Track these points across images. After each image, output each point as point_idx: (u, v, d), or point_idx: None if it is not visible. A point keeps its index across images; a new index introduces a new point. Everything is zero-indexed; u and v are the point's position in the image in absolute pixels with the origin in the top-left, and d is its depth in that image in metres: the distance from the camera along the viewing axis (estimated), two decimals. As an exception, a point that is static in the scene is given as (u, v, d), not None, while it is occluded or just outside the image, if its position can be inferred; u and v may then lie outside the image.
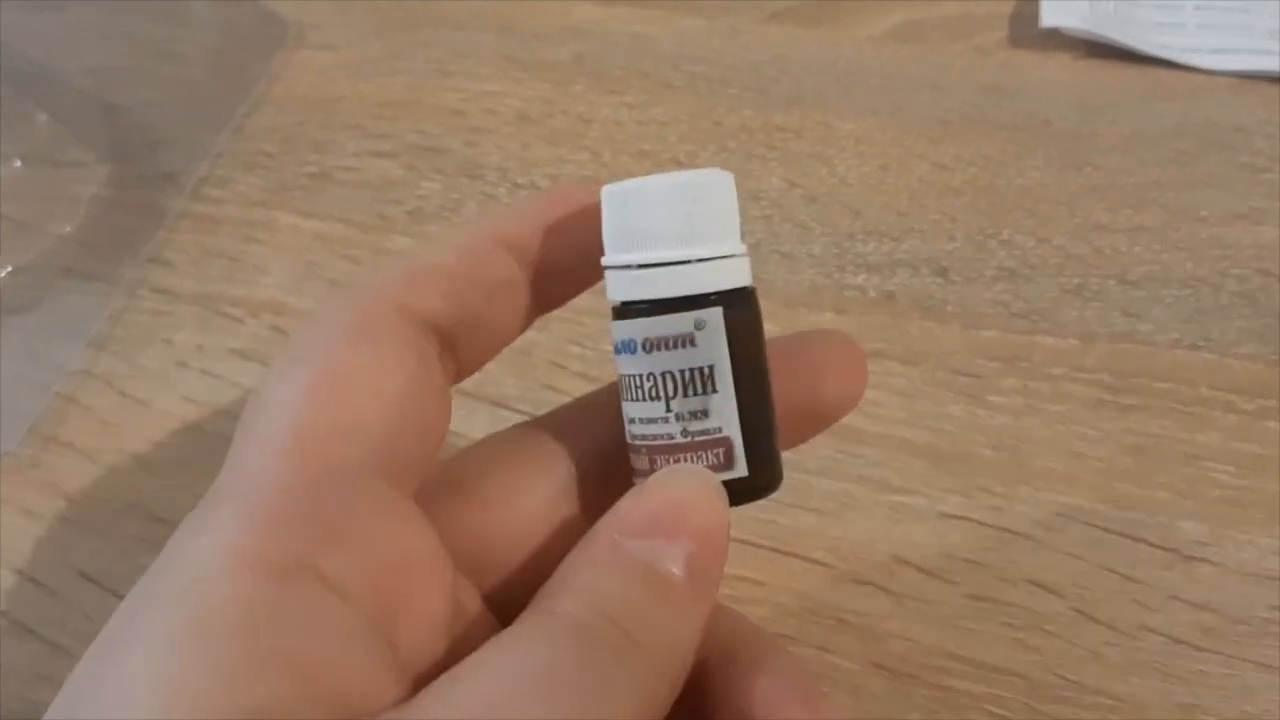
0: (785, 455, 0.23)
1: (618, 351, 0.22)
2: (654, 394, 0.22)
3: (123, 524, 0.33)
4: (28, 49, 0.45)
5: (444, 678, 0.18)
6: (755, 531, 0.31)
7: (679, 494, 0.21)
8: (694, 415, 0.22)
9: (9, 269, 0.39)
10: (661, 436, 0.22)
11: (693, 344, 0.22)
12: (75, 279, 0.39)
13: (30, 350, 0.37)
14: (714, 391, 0.22)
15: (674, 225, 0.22)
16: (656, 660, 0.19)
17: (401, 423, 0.21)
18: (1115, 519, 0.32)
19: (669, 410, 0.22)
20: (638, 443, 0.22)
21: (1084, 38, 0.44)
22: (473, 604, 0.23)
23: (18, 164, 0.42)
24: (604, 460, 0.24)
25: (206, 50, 0.47)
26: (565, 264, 0.24)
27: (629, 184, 0.22)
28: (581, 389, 0.35)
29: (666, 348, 0.22)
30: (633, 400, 0.22)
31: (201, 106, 0.44)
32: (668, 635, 0.20)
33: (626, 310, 0.22)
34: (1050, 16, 0.44)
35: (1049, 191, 0.39)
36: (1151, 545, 0.31)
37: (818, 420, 0.25)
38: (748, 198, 0.40)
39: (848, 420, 0.25)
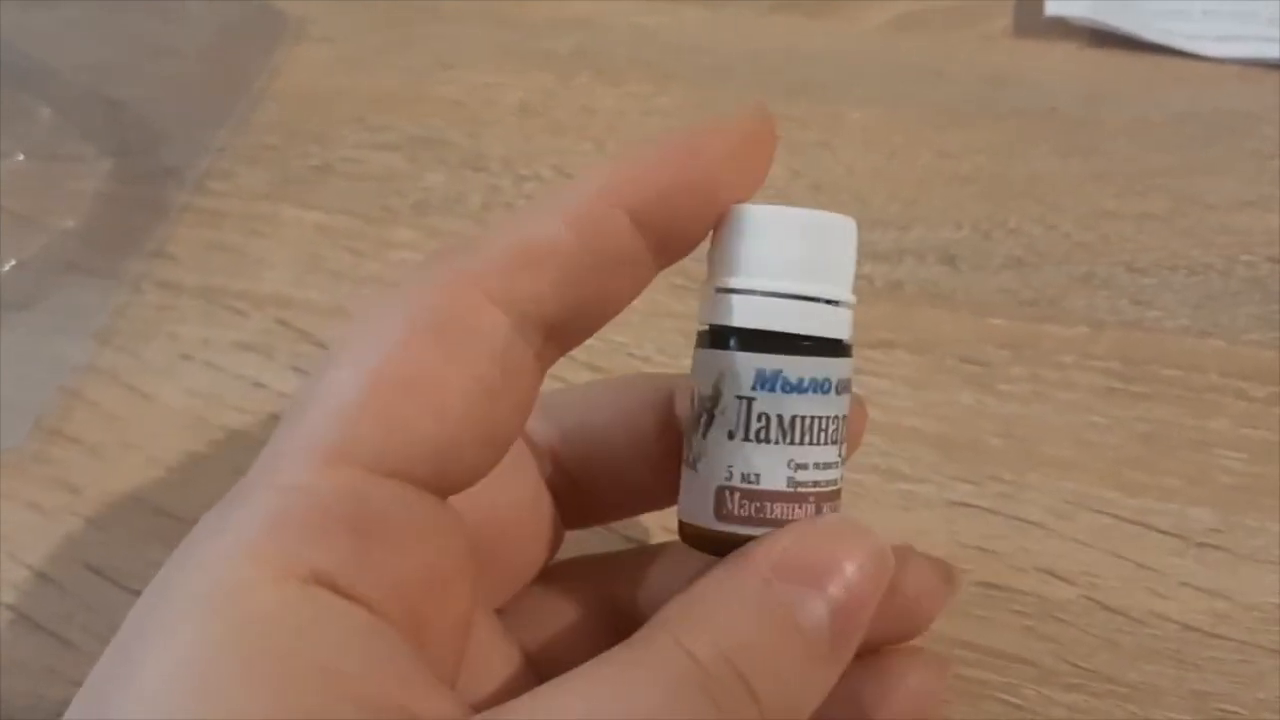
0: None
1: (798, 389, 0.20)
2: (834, 438, 0.20)
3: (129, 517, 0.33)
4: (29, 45, 0.44)
5: (546, 688, 0.18)
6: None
7: (849, 545, 0.19)
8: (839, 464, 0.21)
9: (12, 264, 0.39)
10: (834, 483, 0.21)
11: (848, 391, 0.21)
12: (79, 274, 0.39)
13: (34, 345, 0.37)
14: (844, 443, 0.21)
15: (846, 265, 0.21)
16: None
17: (461, 439, 0.19)
18: (1125, 506, 0.31)
19: (840, 456, 0.21)
20: (804, 490, 0.20)
21: (1088, 26, 0.43)
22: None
23: (20, 158, 0.41)
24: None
25: (205, 46, 0.46)
26: (690, 221, 0.21)
27: (797, 210, 0.20)
28: (589, 380, 0.35)
29: (847, 391, 0.21)
30: (809, 444, 0.20)
31: (202, 101, 0.44)
32: (791, 695, 0.19)
33: (817, 346, 0.20)
34: (1055, 5, 0.44)
35: (1056, 179, 0.39)
36: (1162, 532, 0.31)
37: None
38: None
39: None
